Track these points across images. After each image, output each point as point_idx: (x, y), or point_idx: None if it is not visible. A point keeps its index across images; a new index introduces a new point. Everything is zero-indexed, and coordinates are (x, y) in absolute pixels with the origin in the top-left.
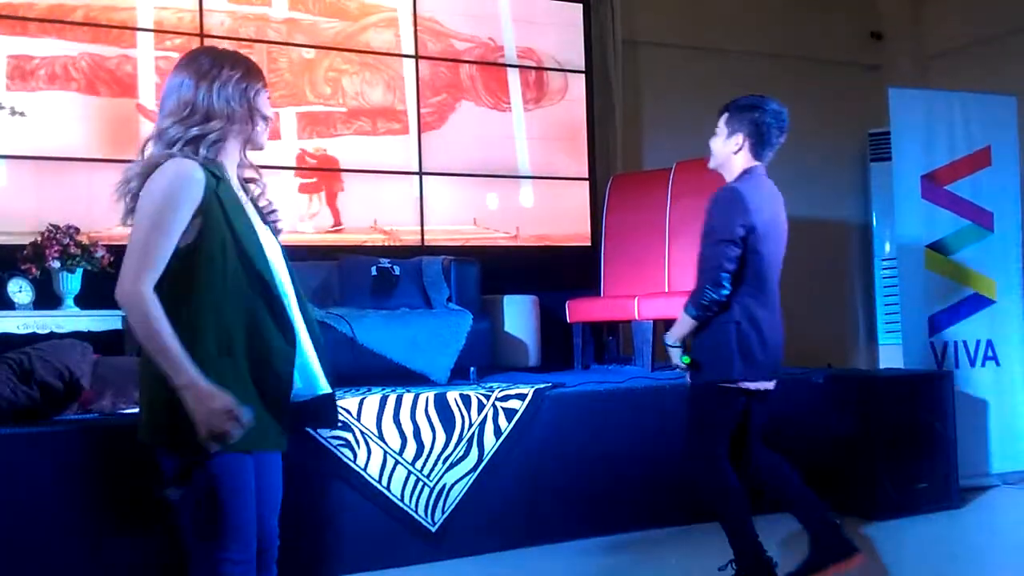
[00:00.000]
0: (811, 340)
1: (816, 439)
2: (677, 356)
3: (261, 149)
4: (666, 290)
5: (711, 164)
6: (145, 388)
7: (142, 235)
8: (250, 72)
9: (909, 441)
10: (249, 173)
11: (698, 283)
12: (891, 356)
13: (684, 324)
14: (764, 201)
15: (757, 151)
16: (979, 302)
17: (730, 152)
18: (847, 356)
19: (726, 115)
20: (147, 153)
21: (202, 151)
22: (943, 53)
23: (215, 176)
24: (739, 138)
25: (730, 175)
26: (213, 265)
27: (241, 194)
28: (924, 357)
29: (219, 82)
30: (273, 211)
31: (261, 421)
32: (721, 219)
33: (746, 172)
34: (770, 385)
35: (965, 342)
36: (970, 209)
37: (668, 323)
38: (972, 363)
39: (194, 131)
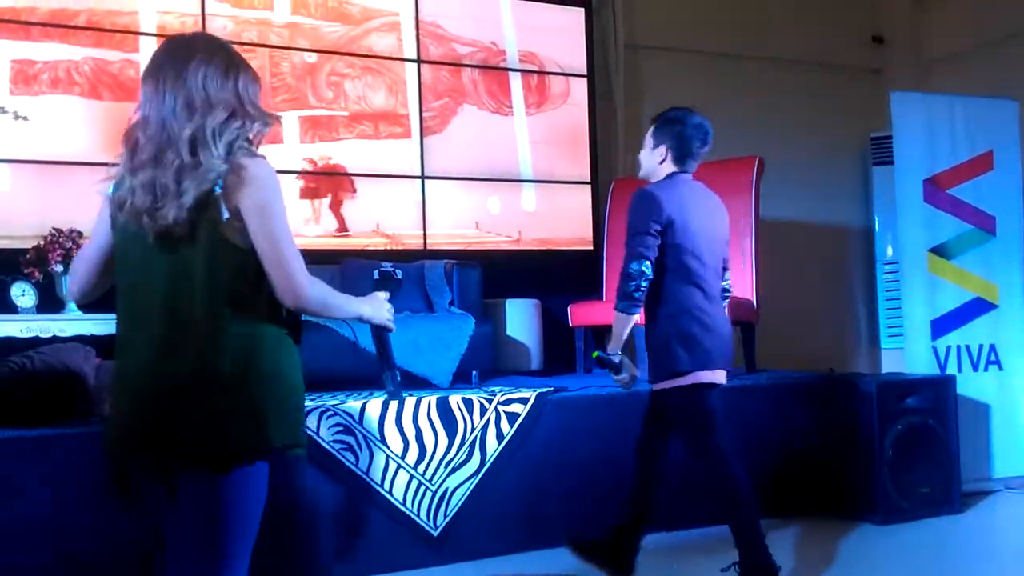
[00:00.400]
0: (813, 344)
1: (817, 443)
2: (617, 366)
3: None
4: None
5: (640, 174)
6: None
7: (286, 242)
8: (241, 63)
9: (911, 446)
10: None
11: (620, 276)
12: (893, 360)
13: (619, 323)
14: (683, 199)
15: (679, 160)
16: (981, 306)
17: (655, 162)
18: (849, 360)
19: (652, 128)
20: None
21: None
22: (945, 57)
23: None
24: (663, 149)
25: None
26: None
27: None
28: (926, 361)
29: (243, 79)
30: None
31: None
32: (635, 217)
33: (667, 177)
34: (722, 377)
35: (968, 346)
36: (972, 213)
37: None
38: (975, 367)
39: (241, 128)
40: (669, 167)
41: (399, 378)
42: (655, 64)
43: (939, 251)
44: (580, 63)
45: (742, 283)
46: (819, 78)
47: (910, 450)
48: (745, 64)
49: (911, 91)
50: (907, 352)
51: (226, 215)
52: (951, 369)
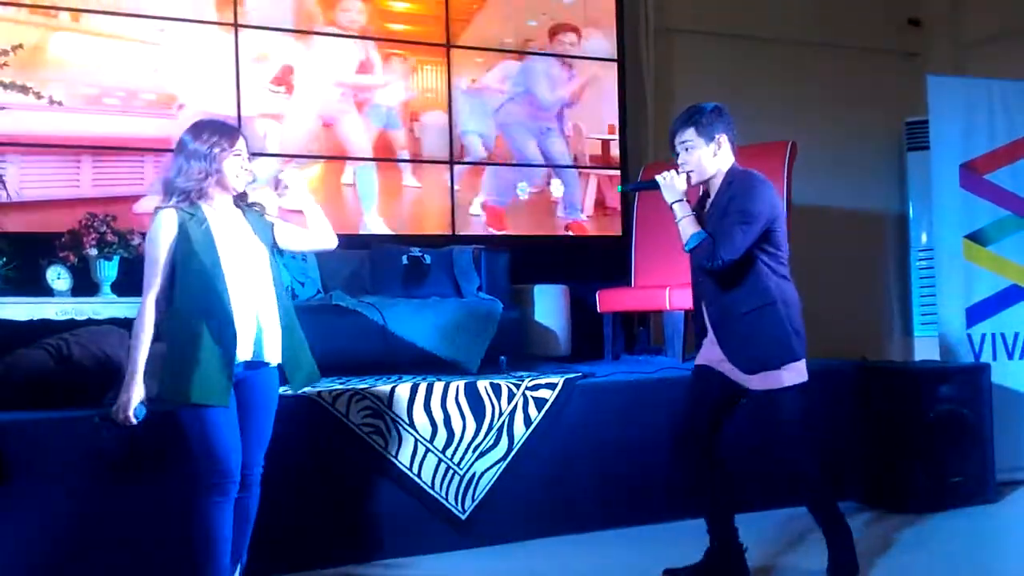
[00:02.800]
0: (845, 332)
1: (850, 431)
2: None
3: (232, 193)
4: None
5: (695, 180)
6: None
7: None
8: (222, 135)
9: (944, 434)
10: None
11: (712, 253)
12: (927, 348)
13: (687, 231)
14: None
15: (733, 150)
16: (1018, 293)
17: (713, 155)
18: (882, 348)
19: (694, 128)
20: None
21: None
22: (982, 40)
23: (189, 214)
24: (723, 140)
25: (720, 176)
26: (185, 277)
27: (226, 221)
28: (961, 349)
29: (193, 146)
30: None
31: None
32: (754, 203)
33: (735, 166)
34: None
35: (1003, 334)
36: (1010, 199)
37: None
38: (1010, 355)
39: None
40: (729, 158)
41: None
42: (686, 48)
43: (975, 238)
44: (611, 48)
45: None
46: (854, 62)
47: (943, 439)
48: (778, 48)
49: (948, 75)
50: (941, 340)
51: None
52: (986, 357)
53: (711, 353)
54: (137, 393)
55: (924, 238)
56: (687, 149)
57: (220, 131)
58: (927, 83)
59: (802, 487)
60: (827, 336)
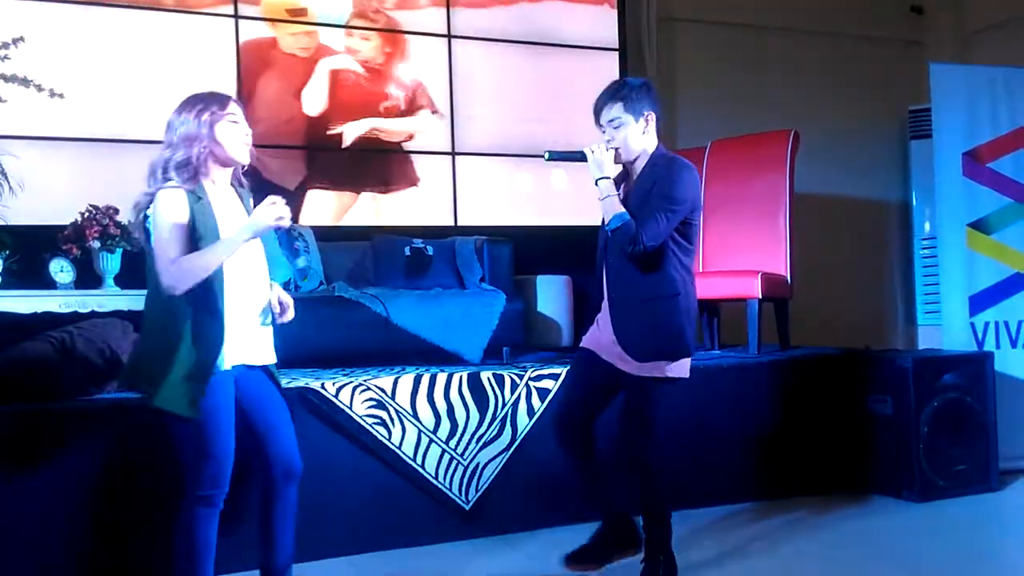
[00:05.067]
0: (848, 320)
1: (854, 419)
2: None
3: (234, 165)
4: (700, 270)
5: (624, 158)
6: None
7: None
8: (210, 101)
9: (948, 422)
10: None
11: (635, 238)
12: (930, 337)
13: (609, 211)
14: None
15: (657, 129)
16: (1021, 282)
17: (640, 133)
18: (886, 337)
19: (622, 103)
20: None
21: (176, 177)
22: (985, 28)
23: (196, 196)
24: (650, 117)
25: (645, 157)
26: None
27: (227, 204)
28: (964, 338)
29: (179, 117)
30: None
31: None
32: (680, 189)
33: (660, 148)
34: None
35: (1007, 322)
36: (1013, 187)
37: (703, 303)
38: (1013, 344)
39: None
40: (654, 138)
41: (305, 265)
42: (688, 37)
43: (978, 226)
44: (612, 37)
45: (776, 259)
46: (856, 50)
47: (947, 427)
48: (780, 36)
49: (951, 63)
50: (944, 328)
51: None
52: (989, 345)
53: (601, 338)
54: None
55: (927, 227)
56: (615, 126)
57: (208, 98)
58: (930, 71)
59: (639, 477)
60: (830, 325)
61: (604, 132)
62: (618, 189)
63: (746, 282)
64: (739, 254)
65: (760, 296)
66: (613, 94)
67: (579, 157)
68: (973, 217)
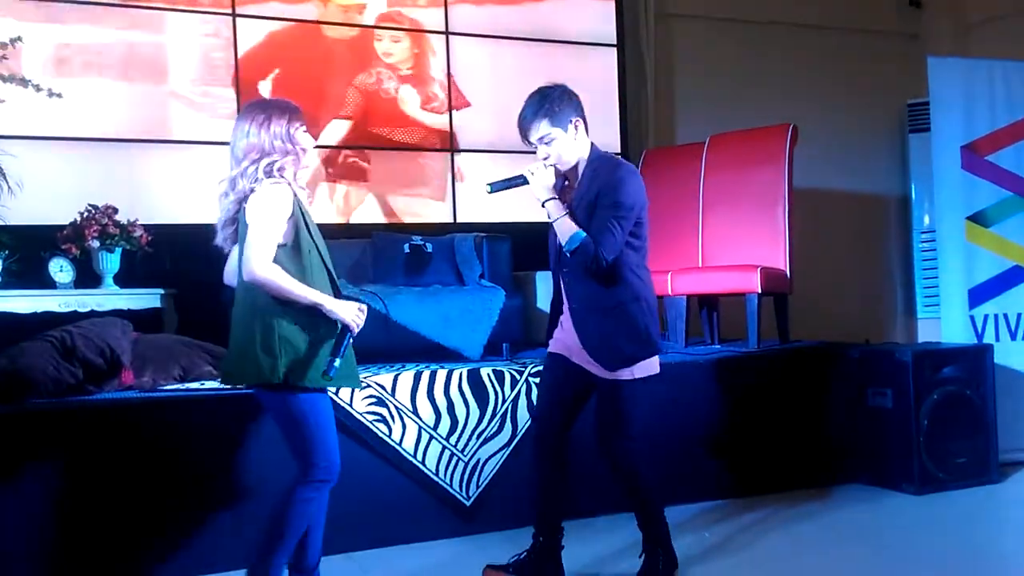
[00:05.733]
0: (848, 314)
1: (854, 413)
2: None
3: (302, 168)
4: (699, 265)
5: (561, 167)
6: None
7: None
8: (292, 112)
9: (947, 415)
10: (298, 187)
11: (595, 255)
12: (930, 330)
13: (564, 232)
14: None
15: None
16: (1020, 274)
17: (573, 139)
18: (885, 330)
19: (548, 118)
20: (237, 187)
21: (279, 177)
22: (983, 21)
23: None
24: (578, 123)
25: (583, 162)
26: (303, 259)
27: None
28: (963, 331)
29: (269, 126)
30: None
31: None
32: (627, 195)
33: (597, 149)
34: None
35: (1006, 315)
36: (1012, 179)
37: (702, 298)
38: (1012, 336)
39: (264, 164)
40: (586, 141)
41: (337, 366)
42: (686, 33)
43: (977, 219)
44: (610, 33)
45: (775, 253)
46: (854, 44)
47: (946, 420)
48: (778, 31)
49: (949, 56)
50: (944, 321)
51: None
52: (988, 338)
53: (568, 340)
54: (337, 303)
55: (926, 220)
56: (547, 142)
57: (291, 110)
58: (928, 64)
59: (624, 477)
60: (830, 318)
61: (537, 150)
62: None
63: (745, 277)
64: (738, 249)
65: (759, 291)
66: (536, 111)
67: (521, 182)
68: (972, 210)
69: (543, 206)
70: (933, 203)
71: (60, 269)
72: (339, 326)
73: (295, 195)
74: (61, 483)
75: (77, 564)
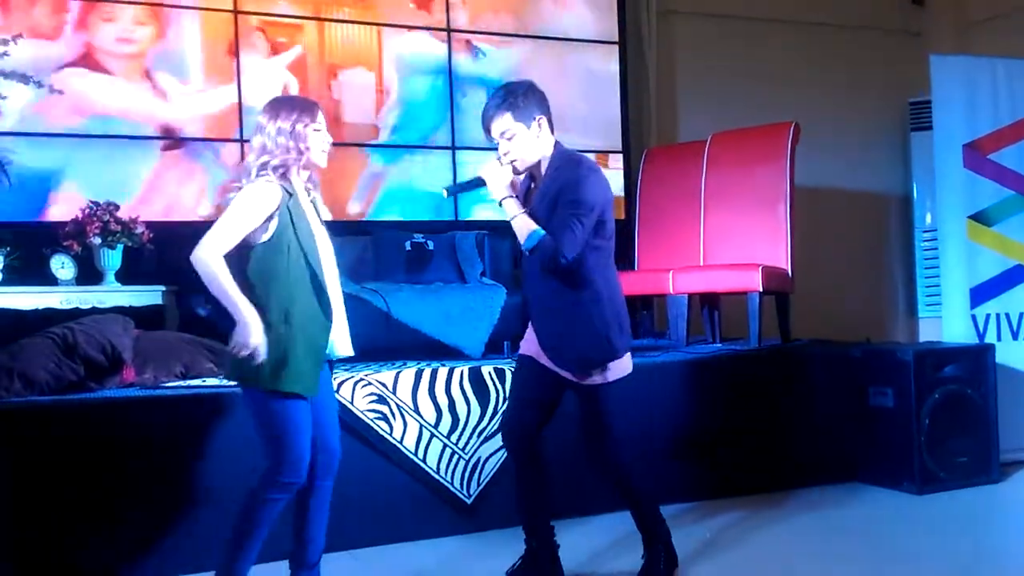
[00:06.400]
0: (849, 313)
1: (855, 412)
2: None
3: (313, 169)
4: (701, 264)
5: (524, 167)
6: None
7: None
8: (303, 110)
9: (949, 415)
10: (309, 186)
11: (554, 254)
12: (931, 329)
13: (522, 231)
14: None
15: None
16: (1022, 273)
17: (535, 137)
18: (886, 329)
19: (511, 113)
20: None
21: (273, 175)
22: (986, 19)
23: (288, 193)
24: (542, 121)
25: (545, 160)
26: (279, 259)
27: (307, 203)
28: (965, 330)
29: (275, 123)
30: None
31: (306, 373)
32: (590, 193)
33: (560, 147)
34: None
35: (1007, 314)
36: (1014, 179)
37: (703, 297)
38: (1014, 336)
39: (263, 162)
40: (550, 140)
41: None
42: (688, 30)
43: (979, 218)
44: (612, 31)
45: (776, 252)
46: (856, 42)
47: (948, 419)
48: (780, 28)
49: (951, 54)
50: (945, 321)
51: None
52: (990, 338)
53: (536, 341)
54: (256, 322)
55: (928, 219)
56: (508, 138)
57: (301, 107)
58: (930, 62)
59: (613, 479)
60: (831, 317)
61: (498, 146)
62: (524, 194)
63: (747, 275)
64: (740, 247)
65: (761, 289)
66: (499, 105)
67: (478, 183)
68: (974, 209)
69: (500, 205)
70: (935, 202)
71: (62, 266)
72: (327, 335)
73: (290, 195)
74: (63, 479)
75: (77, 561)
